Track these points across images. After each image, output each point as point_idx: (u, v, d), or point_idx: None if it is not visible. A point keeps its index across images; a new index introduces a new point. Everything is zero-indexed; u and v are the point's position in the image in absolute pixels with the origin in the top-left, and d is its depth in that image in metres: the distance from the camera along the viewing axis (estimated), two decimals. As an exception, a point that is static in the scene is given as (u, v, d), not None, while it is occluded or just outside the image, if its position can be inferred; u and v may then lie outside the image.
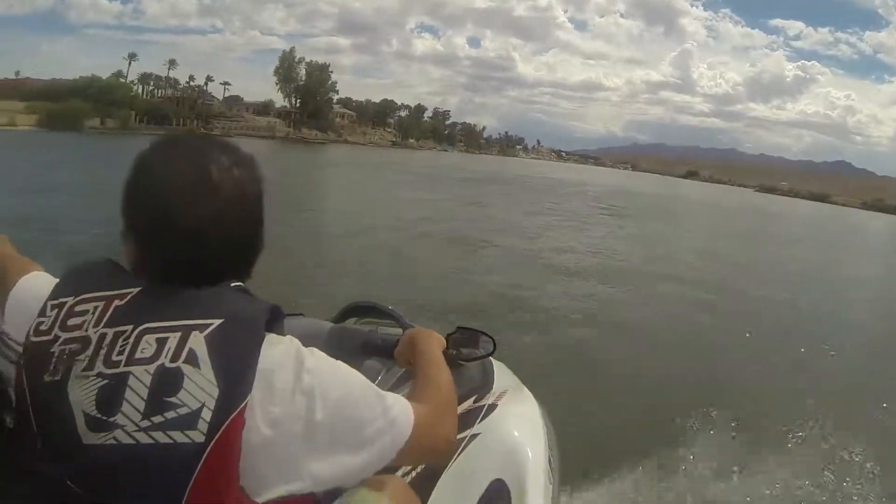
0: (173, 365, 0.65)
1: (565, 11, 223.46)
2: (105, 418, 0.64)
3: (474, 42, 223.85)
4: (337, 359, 0.76)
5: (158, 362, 0.65)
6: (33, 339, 0.71)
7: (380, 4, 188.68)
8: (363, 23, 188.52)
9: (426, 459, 1.03)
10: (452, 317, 5.13)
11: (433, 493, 1.13)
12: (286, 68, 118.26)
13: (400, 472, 1.04)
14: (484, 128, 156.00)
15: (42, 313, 0.73)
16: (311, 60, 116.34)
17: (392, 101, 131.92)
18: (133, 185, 0.74)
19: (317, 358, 0.73)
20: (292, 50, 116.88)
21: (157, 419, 0.63)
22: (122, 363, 0.66)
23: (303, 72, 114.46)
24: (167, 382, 0.64)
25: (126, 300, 0.70)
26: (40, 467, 0.60)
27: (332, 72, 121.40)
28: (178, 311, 0.68)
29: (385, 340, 1.22)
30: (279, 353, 0.70)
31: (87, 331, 0.69)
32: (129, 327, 0.68)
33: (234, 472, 0.64)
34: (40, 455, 0.62)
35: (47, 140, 35.90)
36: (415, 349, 1.07)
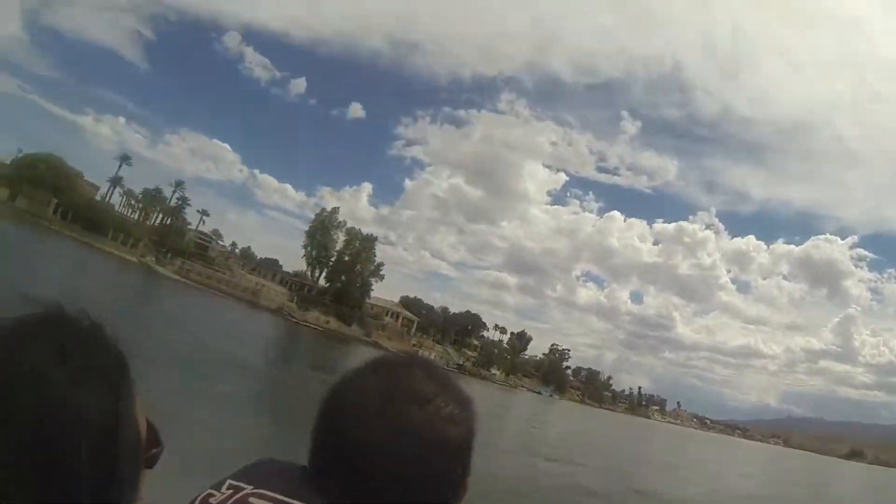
0: None
1: (728, 272, 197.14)
2: None
3: (636, 297, 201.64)
4: None
5: None
6: None
7: (550, 246, 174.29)
8: (531, 263, 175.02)
9: None
10: None
11: None
12: (321, 228, 76.34)
13: None
14: (610, 377, 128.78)
15: (217, 487, 0.72)
16: (355, 228, 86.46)
17: (478, 316, 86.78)
18: (326, 394, 0.73)
19: None
20: (334, 211, 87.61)
21: None
22: None
23: (340, 240, 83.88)
24: None
25: None
26: None
27: (375, 251, 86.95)
28: None
29: None
30: None
31: None
32: None
33: None
34: None
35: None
36: None
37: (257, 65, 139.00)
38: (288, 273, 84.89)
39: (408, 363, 0.73)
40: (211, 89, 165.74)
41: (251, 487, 0.70)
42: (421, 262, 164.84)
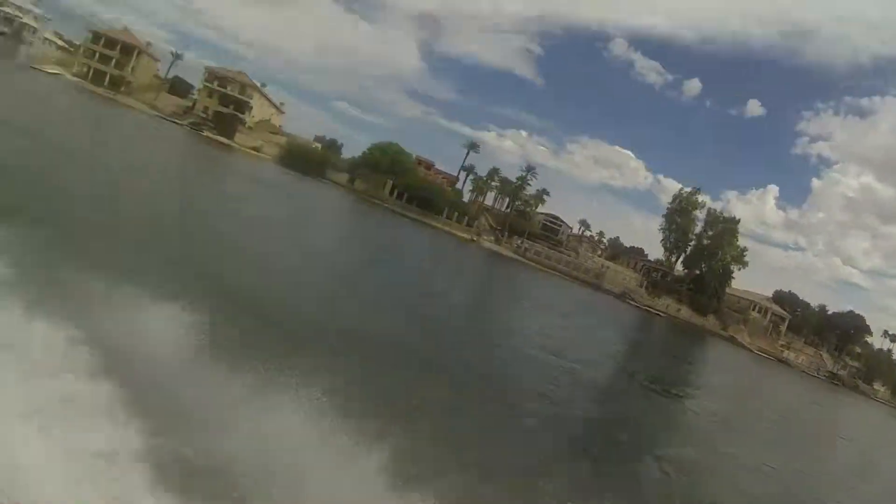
0: None
1: None
2: None
3: None
4: None
5: None
6: None
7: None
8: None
9: None
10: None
11: None
12: (680, 210, 72.61)
13: None
14: None
15: None
16: (716, 211, 78.90)
17: (861, 317, 79.13)
18: None
19: None
20: (695, 191, 79.40)
21: None
22: None
23: (699, 222, 77.76)
24: None
25: None
26: None
27: (737, 235, 77.81)
28: None
29: None
30: None
31: None
32: None
33: None
34: None
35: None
36: None
37: (649, 70, 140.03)
38: (649, 261, 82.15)
39: None
40: (605, 98, 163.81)
41: None
42: (831, 268, 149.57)
